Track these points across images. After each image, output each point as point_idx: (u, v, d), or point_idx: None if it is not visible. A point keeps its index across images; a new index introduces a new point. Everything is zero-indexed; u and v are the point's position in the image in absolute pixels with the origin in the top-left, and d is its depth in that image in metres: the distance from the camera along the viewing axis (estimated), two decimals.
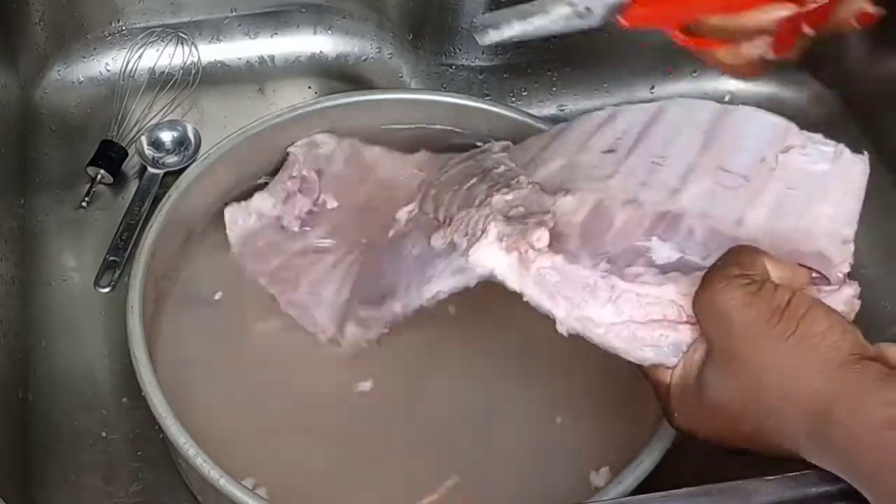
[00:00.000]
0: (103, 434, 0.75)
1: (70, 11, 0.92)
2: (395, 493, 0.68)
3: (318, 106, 0.82)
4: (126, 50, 0.93)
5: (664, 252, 0.60)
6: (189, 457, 0.63)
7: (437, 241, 0.66)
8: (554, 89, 0.95)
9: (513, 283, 0.59)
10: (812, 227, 0.61)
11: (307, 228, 0.78)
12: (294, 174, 0.78)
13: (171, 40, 0.94)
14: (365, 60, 0.96)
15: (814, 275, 0.57)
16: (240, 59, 0.96)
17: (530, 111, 0.87)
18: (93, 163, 0.87)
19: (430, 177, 0.76)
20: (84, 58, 0.94)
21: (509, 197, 0.64)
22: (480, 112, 0.82)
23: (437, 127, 0.83)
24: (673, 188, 0.64)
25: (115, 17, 0.94)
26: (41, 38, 0.92)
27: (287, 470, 0.69)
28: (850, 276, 0.86)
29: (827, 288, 0.57)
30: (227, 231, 0.77)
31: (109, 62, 0.94)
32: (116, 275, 0.82)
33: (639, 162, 0.66)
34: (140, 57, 0.93)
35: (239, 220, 0.77)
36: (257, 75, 0.96)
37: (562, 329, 0.58)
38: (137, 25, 0.94)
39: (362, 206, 0.79)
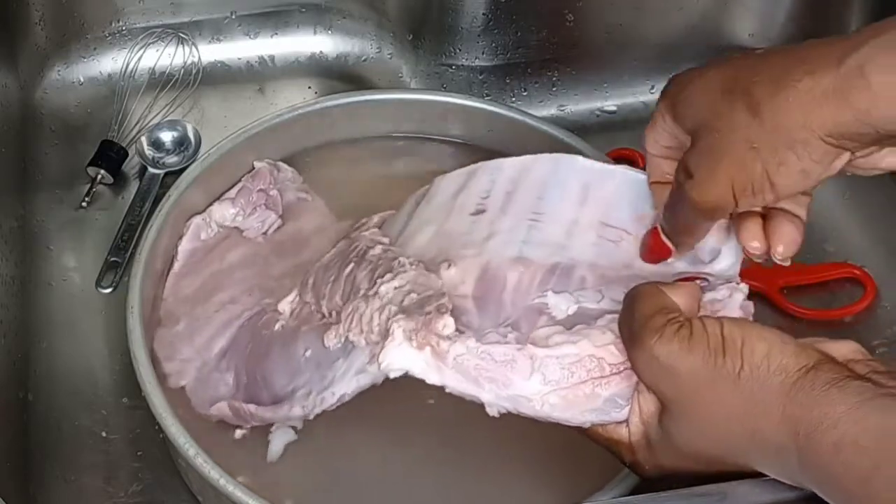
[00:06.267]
0: (103, 434, 0.75)
1: (70, 11, 0.92)
2: None
3: (318, 106, 0.82)
4: (126, 50, 0.93)
5: (562, 305, 0.61)
6: (189, 457, 0.63)
7: (331, 340, 0.64)
8: (554, 89, 0.95)
9: (433, 378, 0.57)
10: (698, 260, 0.62)
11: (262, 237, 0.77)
12: (262, 186, 0.78)
13: (171, 40, 0.94)
14: (365, 60, 0.96)
15: (700, 283, 0.58)
16: (240, 59, 0.96)
17: (530, 111, 0.87)
18: (93, 163, 0.87)
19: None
20: (84, 58, 0.94)
21: (396, 283, 0.62)
22: (480, 112, 0.82)
23: (437, 128, 0.84)
24: (558, 243, 0.64)
25: (115, 17, 0.93)
26: (41, 38, 0.92)
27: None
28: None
29: (719, 297, 0.58)
30: (180, 245, 0.75)
31: (109, 62, 0.94)
32: (118, 275, 0.82)
33: (514, 221, 0.65)
34: (140, 57, 0.93)
35: (202, 234, 0.76)
36: (257, 75, 0.96)
37: (492, 411, 0.57)
38: (137, 25, 0.94)
39: (275, 255, 0.76)
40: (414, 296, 0.61)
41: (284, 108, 0.81)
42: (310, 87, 0.96)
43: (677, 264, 0.62)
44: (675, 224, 0.59)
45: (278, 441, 0.68)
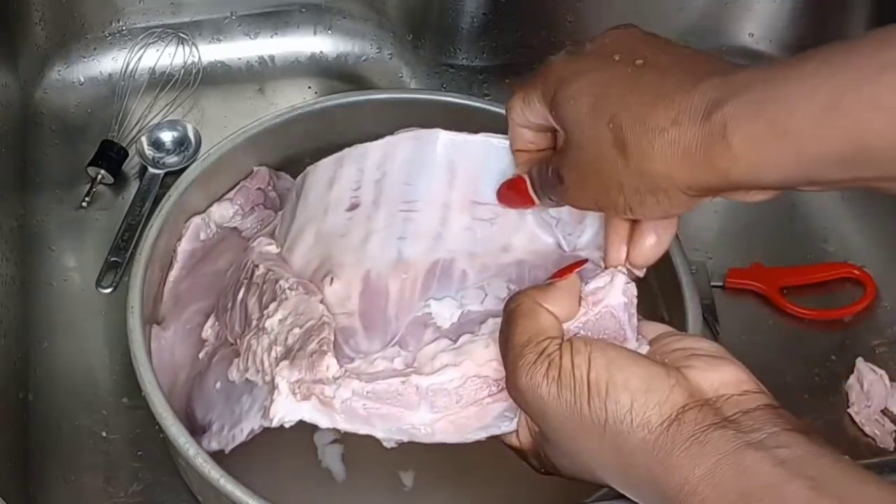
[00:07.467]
0: (103, 434, 0.75)
1: (70, 11, 0.92)
2: None
3: (317, 106, 0.81)
4: (126, 50, 0.94)
5: (445, 313, 0.60)
6: (189, 457, 0.63)
7: (234, 374, 0.64)
8: None
9: (324, 423, 0.58)
10: (564, 231, 0.62)
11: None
12: (260, 186, 0.78)
13: (171, 40, 0.94)
14: (365, 60, 0.96)
15: (577, 270, 0.56)
16: (240, 59, 0.96)
17: None
18: (93, 163, 0.87)
19: None
20: (84, 58, 0.94)
21: (280, 316, 0.62)
22: (480, 112, 0.82)
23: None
24: (434, 234, 0.63)
25: (115, 17, 0.94)
26: (41, 38, 0.92)
27: None
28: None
29: (601, 284, 0.56)
30: (179, 245, 0.74)
31: (109, 62, 0.94)
32: (118, 275, 0.82)
33: (388, 215, 0.64)
34: (140, 57, 0.93)
35: (201, 234, 0.75)
36: (257, 75, 0.96)
37: (388, 444, 0.57)
38: (137, 25, 0.94)
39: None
40: (297, 331, 0.61)
41: (284, 108, 0.81)
42: (310, 87, 0.96)
43: (548, 239, 0.62)
44: (543, 191, 0.58)
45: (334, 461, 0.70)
